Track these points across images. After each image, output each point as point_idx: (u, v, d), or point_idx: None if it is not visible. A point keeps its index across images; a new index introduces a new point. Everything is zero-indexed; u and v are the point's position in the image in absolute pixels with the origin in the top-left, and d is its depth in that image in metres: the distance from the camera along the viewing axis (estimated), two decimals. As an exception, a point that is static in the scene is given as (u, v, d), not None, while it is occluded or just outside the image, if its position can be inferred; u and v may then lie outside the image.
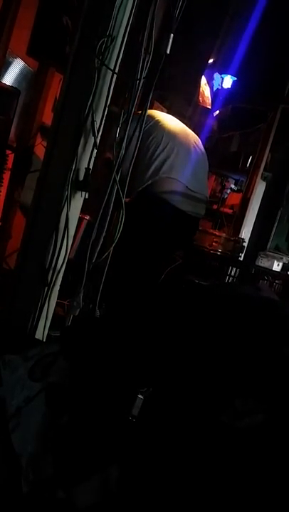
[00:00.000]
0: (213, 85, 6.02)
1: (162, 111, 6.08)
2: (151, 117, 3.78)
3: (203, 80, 5.92)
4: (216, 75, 5.92)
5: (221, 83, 5.95)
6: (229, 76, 5.86)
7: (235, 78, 5.86)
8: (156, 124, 3.82)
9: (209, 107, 6.11)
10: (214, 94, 6.05)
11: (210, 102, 6.06)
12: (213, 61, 5.78)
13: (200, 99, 6.04)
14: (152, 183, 3.75)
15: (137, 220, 3.65)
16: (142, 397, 1.92)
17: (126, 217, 3.45)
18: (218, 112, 6.12)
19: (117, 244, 3.03)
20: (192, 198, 3.93)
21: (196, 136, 4.19)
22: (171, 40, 2.81)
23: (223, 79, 5.91)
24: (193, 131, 4.31)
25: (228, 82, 5.90)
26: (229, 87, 5.94)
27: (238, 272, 5.46)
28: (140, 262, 3.80)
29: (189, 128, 4.26)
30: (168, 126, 3.91)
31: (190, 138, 4.07)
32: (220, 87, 6.01)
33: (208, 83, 5.95)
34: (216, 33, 5.52)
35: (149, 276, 3.83)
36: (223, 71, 5.87)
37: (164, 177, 3.79)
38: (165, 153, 3.79)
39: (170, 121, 4.00)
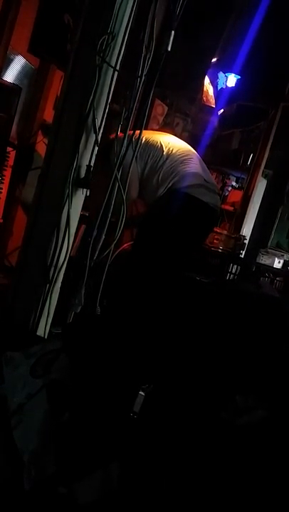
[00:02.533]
0: (218, 84, 6.02)
1: (163, 108, 6.10)
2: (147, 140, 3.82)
3: (207, 79, 5.93)
4: (220, 74, 5.91)
5: (225, 82, 5.94)
6: (233, 75, 5.84)
7: (239, 77, 5.84)
8: (151, 143, 3.84)
9: (213, 106, 6.11)
10: (218, 93, 6.04)
11: (214, 100, 6.05)
12: (217, 60, 5.77)
13: (204, 98, 6.04)
14: (174, 182, 3.77)
15: (162, 219, 3.70)
16: (143, 393, 1.92)
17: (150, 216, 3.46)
18: (222, 110, 6.11)
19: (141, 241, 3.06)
20: (209, 190, 3.97)
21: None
22: (172, 38, 2.81)
23: (227, 78, 5.89)
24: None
25: (232, 80, 5.88)
26: (233, 85, 5.92)
27: (239, 269, 5.47)
28: (163, 259, 3.84)
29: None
30: (162, 141, 3.95)
31: (183, 143, 4.14)
32: (224, 86, 6.00)
33: (212, 82, 5.94)
34: (219, 32, 5.51)
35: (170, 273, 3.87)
36: (226, 70, 5.86)
37: (184, 173, 3.82)
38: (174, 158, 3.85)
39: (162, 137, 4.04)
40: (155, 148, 3.75)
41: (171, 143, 3.88)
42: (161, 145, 3.78)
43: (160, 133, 4.06)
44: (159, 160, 3.72)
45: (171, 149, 3.80)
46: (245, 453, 1.76)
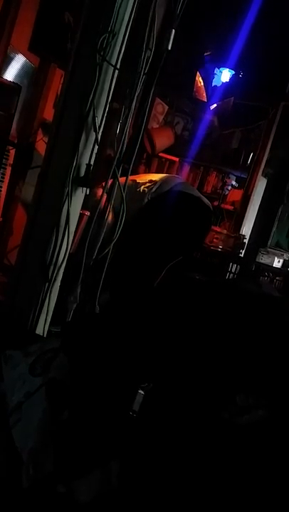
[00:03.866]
0: (213, 80, 6.04)
1: (163, 107, 6.11)
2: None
3: (198, 74, 5.97)
4: (217, 70, 5.94)
5: (220, 77, 5.98)
6: (227, 69, 5.87)
7: (234, 72, 5.87)
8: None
9: (204, 100, 6.12)
10: (214, 89, 6.06)
11: (205, 94, 6.07)
12: (214, 56, 5.79)
13: (195, 92, 6.06)
14: (159, 187, 3.85)
15: (158, 215, 3.76)
16: (142, 392, 1.92)
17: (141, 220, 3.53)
18: (215, 105, 6.12)
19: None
20: (195, 190, 4.06)
21: None
22: (172, 37, 2.81)
23: (221, 73, 5.92)
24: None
25: (226, 75, 5.91)
26: (228, 80, 5.95)
27: (238, 268, 5.47)
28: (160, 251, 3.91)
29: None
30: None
31: None
32: (220, 84, 6.04)
33: (208, 78, 5.97)
34: (221, 30, 5.51)
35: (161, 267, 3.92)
36: (221, 65, 5.89)
37: (165, 178, 3.92)
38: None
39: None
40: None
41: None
42: (131, 179, 3.90)
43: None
44: (131, 187, 3.84)
45: (140, 177, 4.02)
46: (245, 452, 1.76)
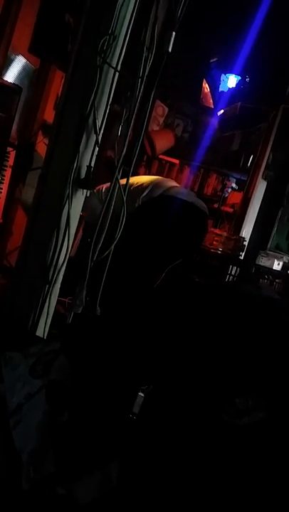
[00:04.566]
0: (220, 86, 6.07)
1: (164, 109, 6.12)
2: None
3: (204, 80, 6.00)
4: (223, 76, 5.97)
5: (226, 83, 6.00)
6: (234, 75, 5.90)
7: (240, 77, 5.89)
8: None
9: (211, 106, 6.14)
10: (220, 95, 6.09)
11: (211, 100, 6.09)
12: (218, 62, 5.82)
13: (202, 98, 6.08)
14: (150, 190, 3.83)
15: (150, 220, 3.73)
16: (142, 394, 1.92)
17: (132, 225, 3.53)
18: (222, 111, 6.14)
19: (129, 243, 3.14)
20: (190, 194, 4.03)
21: None
22: (173, 39, 2.81)
23: (228, 78, 5.95)
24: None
25: (232, 81, 5.93)
26: (234, 86, 5.97)
27: (238, 271, 5.47)
28: (152, 257, 3.88)
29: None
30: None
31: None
32: (226, 90, 6.07)
33: (214, 84, 6.00)
34: (221, 33, 5.52)
35: (154, 274, 3.89)
36: (227, 71, 5.91)
37: (156, 182, 3.91)
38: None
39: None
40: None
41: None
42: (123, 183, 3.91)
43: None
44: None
45: (134, 180, 3.94)
46: (245, 454, 1.76)
